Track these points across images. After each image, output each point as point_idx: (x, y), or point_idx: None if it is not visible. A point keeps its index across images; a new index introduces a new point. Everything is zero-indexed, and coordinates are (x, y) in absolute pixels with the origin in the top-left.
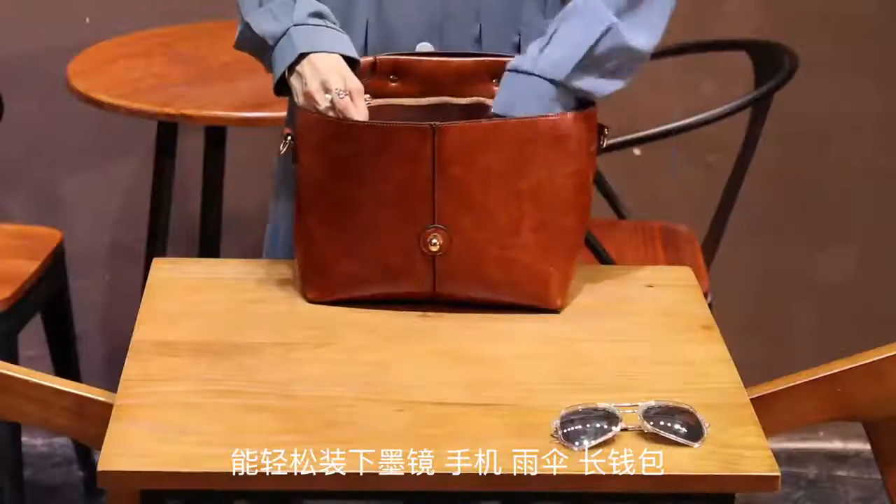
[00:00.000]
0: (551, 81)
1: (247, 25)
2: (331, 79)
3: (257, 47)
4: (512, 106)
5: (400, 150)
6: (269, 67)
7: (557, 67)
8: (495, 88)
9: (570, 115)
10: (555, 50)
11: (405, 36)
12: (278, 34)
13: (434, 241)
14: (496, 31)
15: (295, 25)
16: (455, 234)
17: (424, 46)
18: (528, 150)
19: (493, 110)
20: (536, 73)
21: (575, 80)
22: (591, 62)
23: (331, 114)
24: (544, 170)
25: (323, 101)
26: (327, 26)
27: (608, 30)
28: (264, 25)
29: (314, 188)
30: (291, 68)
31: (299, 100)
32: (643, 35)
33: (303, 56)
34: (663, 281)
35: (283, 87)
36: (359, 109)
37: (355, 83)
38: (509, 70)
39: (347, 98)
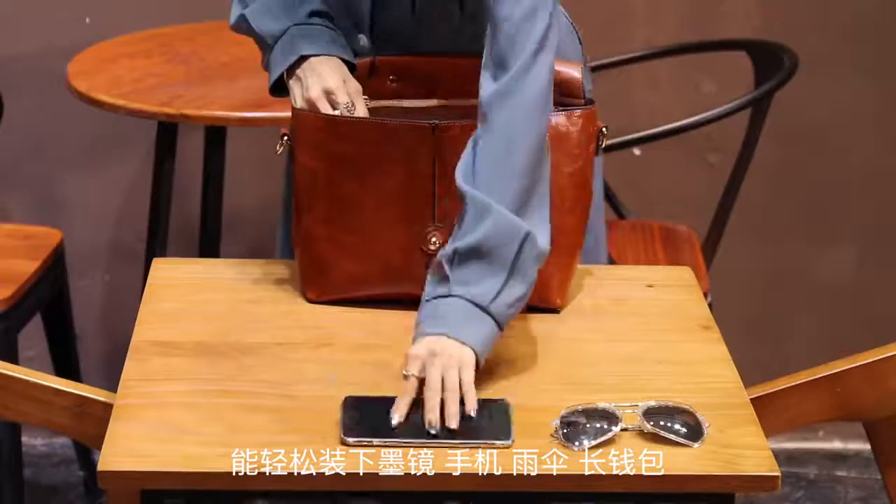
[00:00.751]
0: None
1: (243, 17)
2: (332, 85)
3: (255, 38)
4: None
5: (400, 148)
6: (266, 63)
7: (482, 296)
8: None
9: (571, 114)
10: (472, 275)
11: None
12: (277, 34)
13: (434, 239)
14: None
15: (295, 25)
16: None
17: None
18: None
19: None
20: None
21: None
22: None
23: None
24: None
25: (326, 110)
26: (326, 27)
27: (525, 238)
28: (263, 24)
29: (313, 188)
30: (291, 70)
31: (298, 103)
32: (545, 234)
33: (303, 58)
34: (663, 281)
35: (279, 87)
36: (360, 112)
37: (354, 85)
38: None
39: (355, 111)
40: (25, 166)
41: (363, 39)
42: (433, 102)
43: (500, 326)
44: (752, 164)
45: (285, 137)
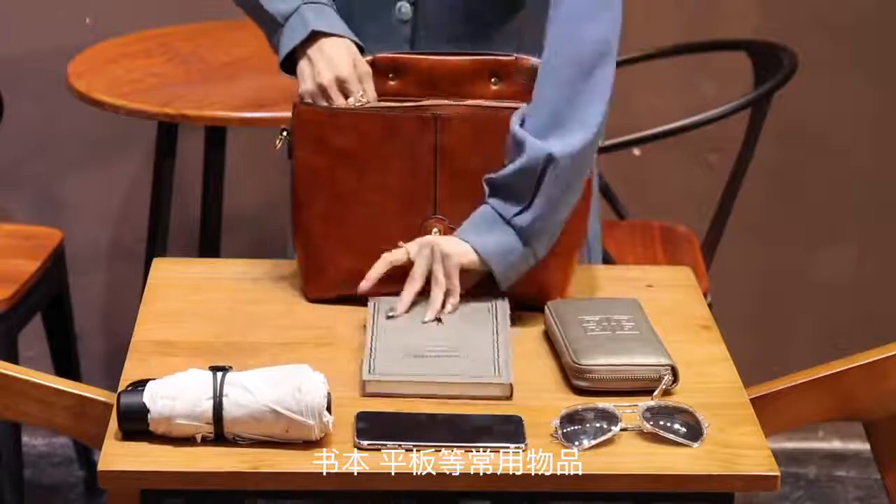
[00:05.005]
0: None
1: None
2: (345, 73)
3: (259, 16)
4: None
5: (401, 139)
6: (268, 33)
7: (507, 209)
8: (493, 88)
9: None
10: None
11: None
12: (287, 12)
13: (435, 231)
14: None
15: (305, 3)
16: (456, 225)
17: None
18: None
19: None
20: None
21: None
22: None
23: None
24: None
25: (336, 98)
26: (335, 10)
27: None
28: (273, 4)
29: (312, 183)
30: (301, 48)
31: (307, 84)
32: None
33: (314, 35)
34: (663, 281)
35: (290, 64)
36: (369, 97)
37: (364, 67)
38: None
39: (365, 103)
40: (25, 166)
41: (404, 7)
42: (429, 104)
43: (525, 242)
44: (752, 164)
45: (284, 133)
